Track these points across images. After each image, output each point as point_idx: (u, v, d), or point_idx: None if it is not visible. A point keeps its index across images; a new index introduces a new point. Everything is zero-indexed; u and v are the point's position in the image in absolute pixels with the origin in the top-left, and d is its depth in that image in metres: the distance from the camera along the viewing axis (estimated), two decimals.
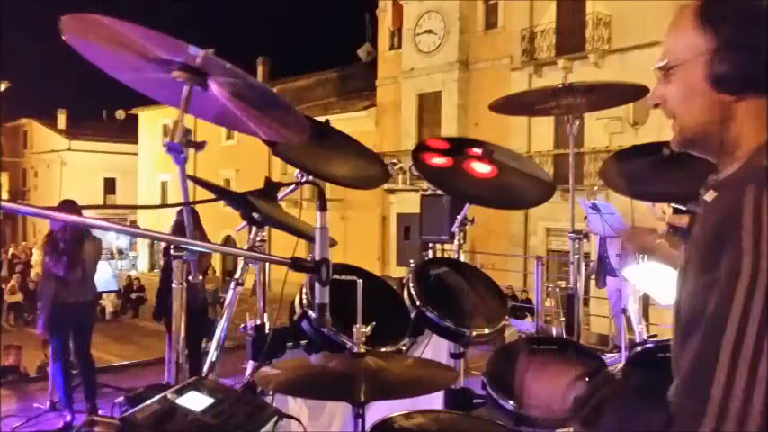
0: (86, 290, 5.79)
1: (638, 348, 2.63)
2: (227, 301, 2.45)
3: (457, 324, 2.68)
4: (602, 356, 3.33)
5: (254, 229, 2.33)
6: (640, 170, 3.23)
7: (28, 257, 25.78)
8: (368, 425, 1.98)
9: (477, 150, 3.15)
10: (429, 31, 22.02)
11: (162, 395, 1.53)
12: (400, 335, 2.54)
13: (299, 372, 1.99)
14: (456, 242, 3.47)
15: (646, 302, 5.03)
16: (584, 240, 3.82)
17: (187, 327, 2.18)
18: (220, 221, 16.65)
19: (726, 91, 1.15)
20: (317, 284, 1.41)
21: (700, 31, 1.16)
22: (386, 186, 18.16)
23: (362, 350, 2.00)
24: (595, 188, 10.28)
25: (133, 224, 21.56)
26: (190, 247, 2.11)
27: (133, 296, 23.41)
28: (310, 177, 2.55)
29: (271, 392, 2.01)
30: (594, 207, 6.05)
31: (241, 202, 2.19)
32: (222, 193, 2.29)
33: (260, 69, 31.49)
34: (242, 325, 2.45)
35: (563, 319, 4.96)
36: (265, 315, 2.49)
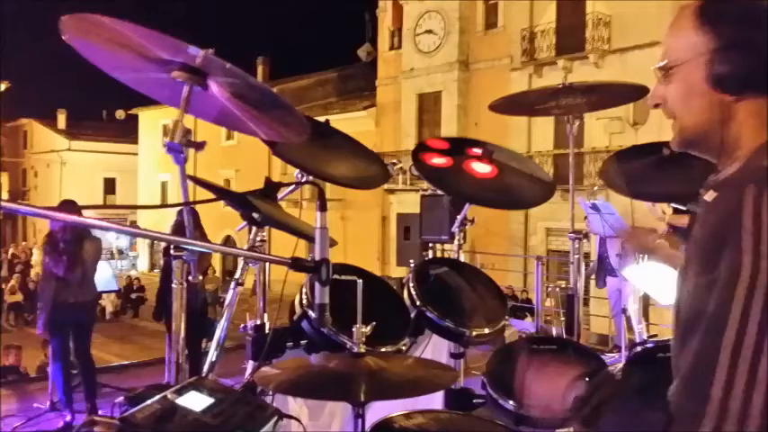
0: (86, 290, 5.78)
1: (638, 348, 2.63)
2: (227, 301, 2.45)
3: (457, 324, 2.68)
4: (602, 356, 3.33)
5: (254, 229, 2.33)
6: (640, 170, 3.23)
7: (28, 257, 25.77)
8: (368, 425, 1.98)
9: (477, 150, 3.15)
10: (429, 31, 22.01)
11: (162, 395, 1.53)
12: (400, 335, 2.54)
13: (299, 372, 1.99)
14: (456, 242, 3.47)
15: (646, 302, 5.02)
16: (585, 240, 3.82)
17: (187, 327, 2.18)
18: (220, 221, 16.65)
19: (726, 91, 1.15)
20: (316, 284, 1.41)
21: (700, 31, 1.16)
22: (386, 186, 18.15)
23: (362, 350, 2.00)
24: (595, 188, 10.27)
25: (133, 224, 21.57)
26: (190, 247, 2.11)
27: (133, 296, 23.41)
28: (310, 177, 2.55)
29: (271, 392, 2.01)
30: (594, 207, 6.05)
31: (241, 202, 2.19)
32: (222, 193, 2.30)
33: (260, 69, 31.51)
34: (242, 325, 2.45)
35: (563, 319, 4.95)
36: (265, 315, 2.49)
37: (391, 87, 23.56)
